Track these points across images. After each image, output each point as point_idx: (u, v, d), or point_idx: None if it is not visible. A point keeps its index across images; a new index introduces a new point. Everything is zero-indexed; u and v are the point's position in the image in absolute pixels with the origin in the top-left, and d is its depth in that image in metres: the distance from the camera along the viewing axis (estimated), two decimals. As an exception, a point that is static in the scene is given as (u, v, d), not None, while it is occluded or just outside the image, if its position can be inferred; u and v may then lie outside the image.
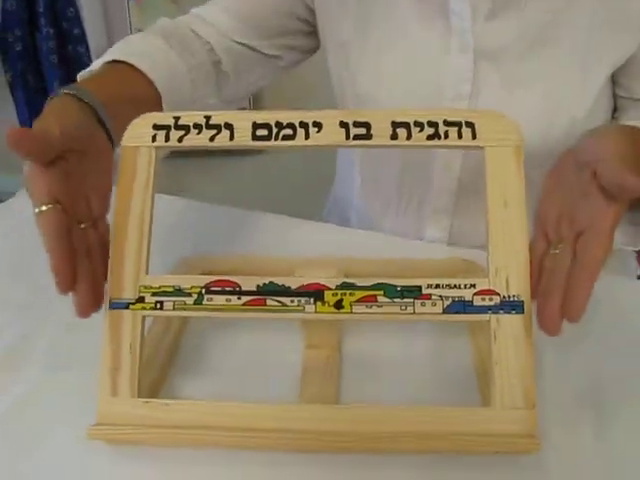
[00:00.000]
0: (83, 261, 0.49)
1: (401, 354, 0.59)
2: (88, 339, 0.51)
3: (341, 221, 0.97)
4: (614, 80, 0.81)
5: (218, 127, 0.54)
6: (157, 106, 0.71)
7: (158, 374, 0.56)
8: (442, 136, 0.54)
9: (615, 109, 0.83)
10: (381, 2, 0.80)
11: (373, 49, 0.80)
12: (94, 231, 0.52)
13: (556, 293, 0.49)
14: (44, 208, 0.47)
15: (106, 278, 0.51)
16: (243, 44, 0.85)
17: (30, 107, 2.05)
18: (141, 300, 0.51)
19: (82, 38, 1.98)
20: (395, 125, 0.54)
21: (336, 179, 1.05)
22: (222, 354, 0.60)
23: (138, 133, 0.54)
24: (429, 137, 0.54)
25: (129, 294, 0.51)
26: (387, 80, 0.80)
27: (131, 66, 0.70)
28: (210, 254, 0.69)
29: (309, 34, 0.88)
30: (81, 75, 0.72)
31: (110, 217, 0.53)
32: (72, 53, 1.99)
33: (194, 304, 0.51)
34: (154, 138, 0.54)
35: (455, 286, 0.51)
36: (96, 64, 0.71)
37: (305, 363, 0.58)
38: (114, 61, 0.70)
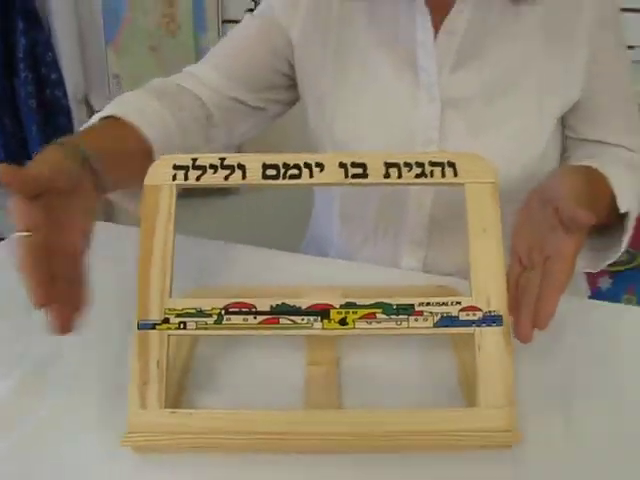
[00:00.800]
0: (58, 285, 0.52)
1: (394, 368, 0.66)
2: (103, 356, 0.57)
3: (320, 254, 1.04)
4: (564, 123, 0.92)
5: (232, 167, 0.61)
6: (148, 159, 0.71)
7: (176, 389, 0.62)
8: (428, 175, 0.62)
9: (564, 149, 0.94)
10: (356, 59, 0.89)
11: (349, 101, 0.89)
12: (73, 263, 0.55)
13: (528, 308, 0.58)
14: (24, 234, 0.52)
15: (79, 307, 0.53)
16: (232, 98, 0.92)
17: (7, 151, 2.09)
18: (166, 321, 0.57)
19: (60, 82, 2.03)
20: (388, 165, 0.62)
21: (314, 217, 1.12)
22: (231, 371, 0.66)
23: (159, 173, 0.61)
24: (417, 176, 0.62)
25: (155, 315, 0.57)
26: (362, 129, 0.88)
27: (125, 122, 0.74)
28: (214, 285, 0.75)
29: (290, 87, 0.96)
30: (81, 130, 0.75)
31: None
32: (50, 97, 2.04)
33: (214, 324, 0.57)
34: (174, 177, 0.61)
35: (443, 304, 0.58)
36: (94, 119, 0.76)
37: (307, 377, 0.64)
38: (111, 116, 0.75)
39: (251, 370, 0.66)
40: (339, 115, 0.90)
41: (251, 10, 1.84)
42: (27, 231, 0.52)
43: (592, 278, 1.79)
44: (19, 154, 2.08)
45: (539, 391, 0.64)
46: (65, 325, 0.52)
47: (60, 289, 0.52)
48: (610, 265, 1.79)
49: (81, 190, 0.59)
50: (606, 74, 0.89)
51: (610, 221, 0.77)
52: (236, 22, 1.91)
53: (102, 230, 0.60)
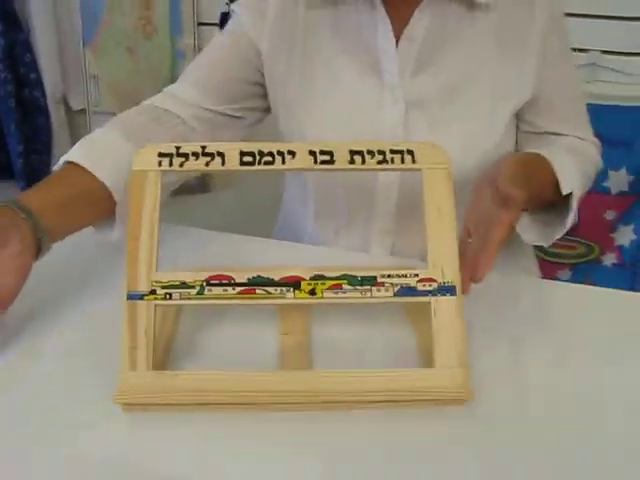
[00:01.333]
0: None
1: (360, 336, 0.73)
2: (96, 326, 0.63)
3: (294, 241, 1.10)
4: (520, 117, 0.99)
5: (212, 155, 0.68)
6: (110, 201, 0.79)
7: (162, 356, 0.68)
8: (389, 161, 0.69)
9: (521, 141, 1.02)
10: (321, 66, 0.96)
11: (317, 107, 0.96)
12: None
13: (466, 266, 0.68)
14: None
15: None
16: (212, 111, 0.97)
17: (-16, 147, 2.13)
18: (153, 292, 0.63)
19: (39, 82, 2.07)
20: (352, 153, 0.69)
21: (284, 204, 1.17)
22: (211, 341, 0.72)
23: (146, 160, 0.67)
24: (379, 162, 0.69)
25: (143, 287, 0.63)
26: (331, 132, 0.94)
27: (85, 168, 0.78)
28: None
29: (265, 95, 1.02)
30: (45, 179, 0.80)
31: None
32: (28, 97, 2.08)
33: (197, 294, 0.64)
34: (160, 164, 0.67)
35: (403, 275, 0.65)
36: (59, 163, 0.81)
37: (281, 345, 0.71)
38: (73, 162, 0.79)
39: (230, 340, 0.72)
40: (308, 121, 0.97)
41: (225, 14, 1.91)
42: None
43: (552, 270, 1.90)
44: (-2, 153, 2.11)
45: (492, 356, 0.71)
46: None
47: None
48: (569, 257, 1.89)
49: (11, 240, 0.67)
50: (556, 75, 0.97)
51: (557, 200, 0.86)
52: (211, 25, 1.99)
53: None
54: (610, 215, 1.85)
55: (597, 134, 1.74)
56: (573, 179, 0.86)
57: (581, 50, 1.77)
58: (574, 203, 0.86)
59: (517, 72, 0.95)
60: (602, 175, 1.81)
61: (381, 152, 0.69)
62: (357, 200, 0.99)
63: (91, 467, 0.56)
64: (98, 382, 0.63)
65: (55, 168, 0.81)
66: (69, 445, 0.58)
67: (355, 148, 0.69)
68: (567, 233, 1.90)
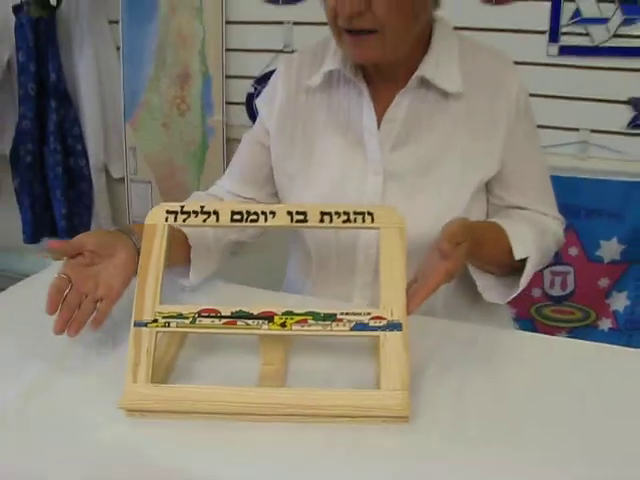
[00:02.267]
0: (70, 309, 0.84)
1: (328, 365, 0.86)
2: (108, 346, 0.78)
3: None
4: (489, 191, 1.13)
5: (209, 213, 0.84)
6: (186, 244, 1.05)
7: (163, 375, 0.83)
8: (352, 221, 0.84)
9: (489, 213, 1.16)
10: (318, 144, 1.13)
11: (314, 175, 1.12)
12: (92, 302, 0.86)
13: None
14: (56, 275, 0.85)
15: (79, 329, 0.84)
16: (244, 197, 1.19)
17: (33, 211, 2.35)
18: (155, 321, 0.79)
19: (84, 153, 2.31)
20: (322, 213, 0.84)
21: (289, 270, 1.32)
22: (204, 368, 0.87)
23: (156, 216, 0.84)
24: (344, 221, 0.84)
25: (147, 317, 0.79)
26: (324, 197, 1.10)
27: None
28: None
29: None
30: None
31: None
32: (74, 165, 2.32)
33: (190, 324, 0.79)
34: (167, 219, 0.84)
35: (358, 314, 0.80)
36: None
37: (261, 372, 0.85)
38: None
39: (220, 367, 0.87)
40: (307, 191, 1.13)
41: (251, 94, 2.14)
42: (60, 274, 0.86)
43: (549, 333, 1.99)
44: (44, 214, 2.34)
45: (438, 386, 0.84)
46: (63, 330, 0.84)
47: (69, 311, 0.84)
48: (566, 322, 2.01)
49: (119, 255, 0.90)
50: (521, 155, 1.10)
51: (518, 266, 1.00)
52: (238, 104, 2.21)
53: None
54: (604, 282, 1.97)
55: (588, 207, 1.90)
56: (528, 246, 1.00)
57: (572, 129, 1.93)
58: (529, 267, 0.99)
59: (484, 151, 1.08)
60: (595, 245, 1.95)
61: (346, 213, 0.85)
62: (344, 257, 1.14)
63: (99, 457, 0.71)
64: (108, 391, 0.78)
65: None
66: (82, 439, 0.73)
67: (325, 210, 0.85)
68: (565, 299, 2.05)
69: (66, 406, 0.79)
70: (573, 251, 1.97)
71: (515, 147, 1.09)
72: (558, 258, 1.97)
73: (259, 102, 1.22)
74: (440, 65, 1.07)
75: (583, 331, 2.00)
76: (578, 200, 1.93)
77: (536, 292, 2.03)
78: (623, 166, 1.90)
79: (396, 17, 0.96)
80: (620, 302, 1.98)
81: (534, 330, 1.84)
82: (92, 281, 0.87)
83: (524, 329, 1.09)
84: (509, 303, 1.08)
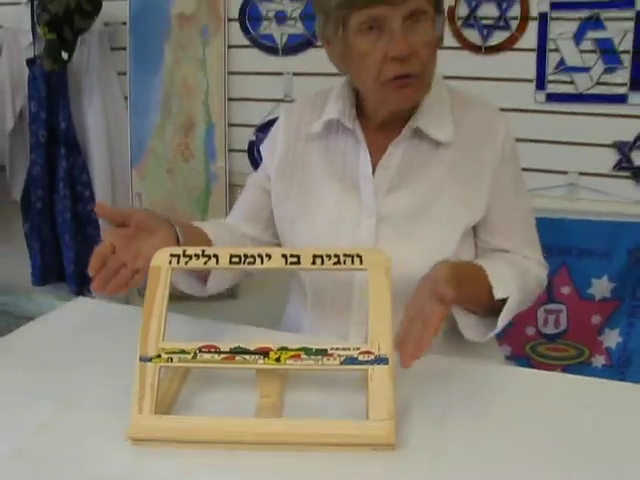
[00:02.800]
0: (109, 272, 0.94)
1: (319, 398, 0.92)
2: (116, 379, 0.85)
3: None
4: (476, 234, 1.20)
5: (209, 256, 0.91)
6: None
7: (167, 407, 0.89)
8: (342, 263, 0.91)
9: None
10: (316, 188, 1.20)
11: (311, 220, 1.19)
12: (130, 271, 0.95)
13: (409, 346, 0.87)
14: (103, 242, 0.96)
15: (114, 291, 0.94)
16: (249, 236, 1.27)
17: (42, 255, 2.43)
18: (159, 356, 0.85)
19: (92, 199, 2.40)
20: (315, 256, 0.91)
21: (287, 310, 1.38)
22: (205, 401, 0.93)
23: (161, 258, 0.91)
24: (334, 263, 0.91)
25: (152, 353, 0.85)
26: (321, 240, 1.17)
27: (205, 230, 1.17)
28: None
29: None
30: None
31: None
32: (82, 211, 2.40)
33: (191, 359, 0.85)
34: (170, 262, 0.91)
35: (348, 349, 0.86)
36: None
37: (259, 404, 0.91)
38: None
39: (219, 401, 0.92)
40: (305, 233, 1.20)
41: (252, 142, 2.23)
42: (106, 241, 0.96)
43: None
44: (53, 258, 2.41)
45: (420, 411, 0.90)
46: (101, 290, 0.95)
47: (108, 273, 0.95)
48: (560, 359, 2.06)
49: (160, 234, 1.00)
50: (506, 202, 1.17)
51: (499, 305, 1.06)
52: (240, 151, 2.30)
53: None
54: (596, 320, 2.02)
55: (579, 246, 1.96)
56: (508, 286, 1.06)
57: (561, 172, 2.01)
58: (508, 307, 1.04)
59: (471, 196, 1.14)
60: (586, 283, 2.01)
61: (336, 255, 0.91)
62: (340, 295, 1.19)
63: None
64: (115, 423, 0.84)
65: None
66: (93, 468, 0.79)
67: (317, 253, 0.91)
68: (558, 336, 2.10)
69: (76, 438, 0.84)
70: (565, 289, 2.03)
71: (500, 193, 1.15)
72: (551, 296, 2.03)
73: (262, 148, 1.31)
74: (432, 116, 1.14)
75: (577, 368, 2.04)
76: (569, 240, 1.99)
77: (530, 330, 2.09)
78: (610, 207, 1.97)
79: (433, 55, 1.07)
80: (612, 339, 2.03)
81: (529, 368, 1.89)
82: (133, 252, 0.96)
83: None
84: (505, 342, 1.14)
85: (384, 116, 1.15)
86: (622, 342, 2.01)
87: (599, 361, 2.05)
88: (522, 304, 1.11)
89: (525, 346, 2.10)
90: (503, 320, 1.05)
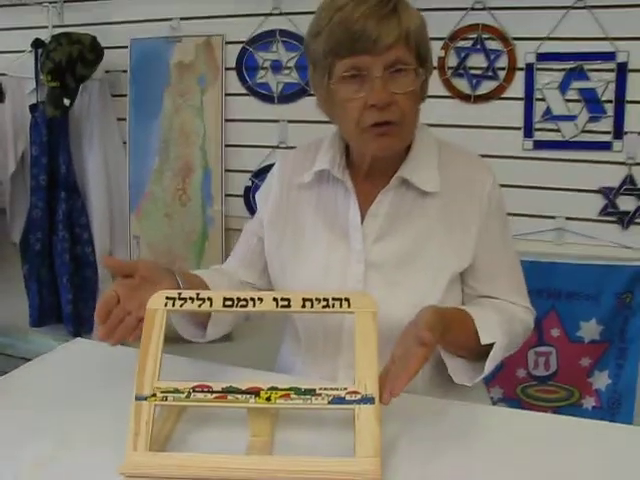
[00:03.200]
0: (115, 321, 0.99)
1: (309, 437, 0.95)
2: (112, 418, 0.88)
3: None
4: (463, 281, 1.23)
5: (203, 299, 0.95)
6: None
7: (161, 445, 0.92)
8: (331, 306, 0.95)
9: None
10: (307, 235, 1.24)
11: (302, 266, 1.23)
12: (135, 320, 0.99)
13: (387, 385, 0.90)
14: (108, 290, 1.00)
15: (119, 340, 0.99)
16: (244, 282, 1.32)
17: (40, 297, 2.46)
18: (154, 395, 0.89)
19: (90, 241, 2.45)
20: (304, 300, 0.95)
21: (281, 353, 1.41)
22: (198, 440, 0.95)
23: (156, 301, 0.95)
24: (323, 307, 0.95)
25: (147, 392, 0.89)
26: (310, 283, 1.20)
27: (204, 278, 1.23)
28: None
29: None
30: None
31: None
32: (80, 253, 2.45)
33: (185, 397, 0.89)
34: (166, 304, 0.95)
35: (335, 389, 0.89)
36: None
37: (250, 443, 0.94)
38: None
39: (212, 439, 0.95)
40: (295, 278, 1.23)
41: (248, 187, 2.28)
42: (111, 290, 1.01)
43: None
44: (51, 300, 2.44)
45: (405, 449, 0.93)
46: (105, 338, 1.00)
47: (115, 320, 0.99)
48: (551, 401, 2.08)
49: (163, 284, 1.04)
50: (493, 251, 1.20)
51: (482, 349, 1.09)
52: (236, 196, 2.36)
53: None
54: (585, 362, 2.05)
55: (567, 290, 2.00)
56: (494, 331, 1.09)
57: (549, 217, 2.06)
58: (495, 351, 1.07)
59: (458, 245, 1.18)
60: (575, 326, 2.04)
61: (325, 299, 0.95)
62: (330, 339, 1.22)
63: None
64: (110, 460, 0.87)
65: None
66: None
67: (306, 296, 0.95)
68: (549, 379, 2.13)
69: (72, 474, 0.87)
70: (555, 332, 2.07)
71: (487, 243, 1.19)
72: (540, 339, 2.07)
73: (257, 195, 1.36)
74: (420, 167, 1.18)
75: (568, 410, 2.06)
76: (557, 284, 2.03)
77: (521, 372, 2.11)
78: (597, 251, 2.02)
79: (414, 106, 1.12)
80: (602, 381, 2.05)
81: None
82: (137, 301, 1.00)
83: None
84: (496, 384, 1.17)
85: (369, 164, 1.19)
86: (611, 384, 2.04)
87: (589, 403, 2.08)
88: (509, 348, 1.14)
89: (516, 388, 2.12)
90: (490, 365, 1.08)
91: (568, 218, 2.05)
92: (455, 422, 1.02)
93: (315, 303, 0.95)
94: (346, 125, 1.14)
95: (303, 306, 0.95)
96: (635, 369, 2.02)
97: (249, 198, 2.38)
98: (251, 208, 2.38)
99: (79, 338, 1.44)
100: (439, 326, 0.98)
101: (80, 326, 2.47)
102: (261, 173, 2.32)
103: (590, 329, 2.03)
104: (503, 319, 1.14)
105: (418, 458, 0.92)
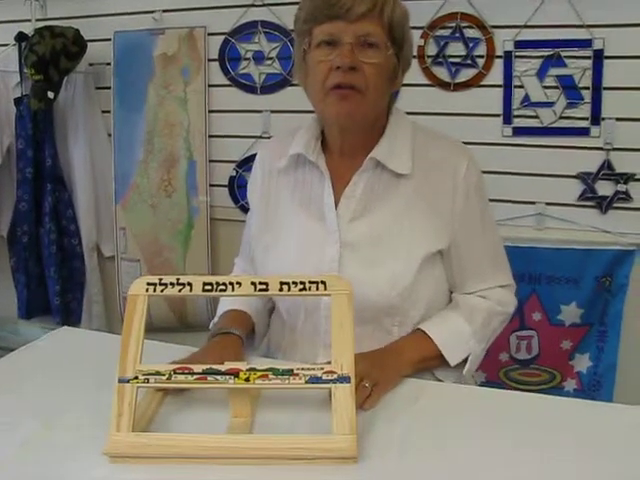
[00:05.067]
0: None
1: (288, 417, 0.98)
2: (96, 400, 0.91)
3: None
4: (449, 265, 1.25)
5: (183, 284, 0.98)
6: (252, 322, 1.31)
7: (145, 425, 0.94)
8: (307, 289, 0.97)
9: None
10: (286, 218, 1.28)
11: (281, 248, 1.26)
12: None
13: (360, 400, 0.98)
14: None
15: None
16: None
17: (28, 289, 2.48)
18: (136, 378, 0.91)
19: (77, 233, 2.46)
20: (282, 283, 0.98)
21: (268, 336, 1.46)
22: (180, 421, 0.98)
23: (138, 287, 0.98)
24: (300, 290, 0.97)
25: (130, 374, 0.91)
26: (289, 265, 1.23)
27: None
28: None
29: None
30: (215, 322, 1.32)
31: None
32: (67, 245, 2.46)
33: (166, 379, 0.91)
34: (147, 290, 0.97)
35: (312, 369, 0.92)
36: (219, 311, 1.33)
37: (230, 423, 0.96)
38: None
39: (194, 421, 0.98)
40: (276, 261, 1.27)
41: (233, 177, 2.30)
42: None
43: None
44: (38, 292, 2.46)
45: (381, 427, 0.96)
46: None
47: None
48: (533, 384, 2.12)
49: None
50: (472, 233, 1.23)
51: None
52: (221, 186, 2.38)
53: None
54: (567, 345, 2.09)
55: (547, 274, 2.03)
56: (464, 346, 1.21)
57: (529, 203, 2.10)
58: (474, 360, 1.21)
59: (431, 226, 1.21)
60: (556, 309, 2.08)
61: (302, 282, 0.98)
62: (309, 321, 1.26)
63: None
64: (94, 441, 0.89)
65: (220, 311, 1.33)
66: (71, 482, 0.85)
67: (283, 280, 0.98)
68: (531, 362, 2.17)
69: (57, 455, 0.90)
70: (536, 316, 2.10)
71: (465, 226, 1.22)
72: (522, 323, 2.10)
73: (248, 185, 1.40)
74: (393, 149, 1.21)
75: (550, 392, 2.03)
76: (538, 268, 2.07)
77: (503, 356, 2.15)
78: (577, 235, 2.06)
79: (379, 79, 1.15)
80: (583, 363, 2.10)
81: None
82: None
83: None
84: (479, 368, 1.25)
85: (340, 141, 1.24)
86: (592, 366, 2.08)
87: (571, 385, 2.11)
88: (487, 347, 1.26)
89: (499, 372, 2.16)
90: (470, 370, 1.19)
91: (548, 203, 2.09)
92: (431, 401, 1.06)
93: (292, 286, 0.98)
94: (313, 88, 1.19)
95: (280, 289, 0.97)
96: (615, 351, 2.06)
97: (234, 188, 2.40)
98: (235, 198, 2.41)
99: (66, 326, 1.46)
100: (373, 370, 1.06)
101: (68, 317, 2.49)
102: (245, 163, 2.34)
103: (571, 312, 2.07)
104: (477, 326, 1.23)
105: (394, 435, 0.95)
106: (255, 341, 1.33)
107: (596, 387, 2.08)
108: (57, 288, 2.44)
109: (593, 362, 2.08)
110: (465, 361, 1.21)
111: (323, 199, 1.24)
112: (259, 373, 0.92)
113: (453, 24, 2.09)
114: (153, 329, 0.97)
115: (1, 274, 2.62)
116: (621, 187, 2.01)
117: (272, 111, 2.32)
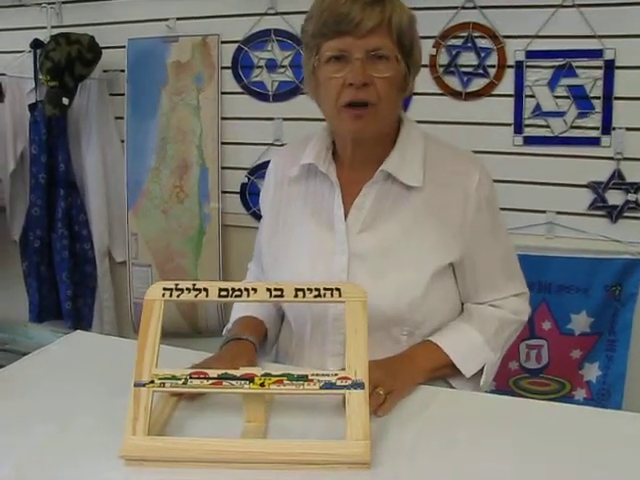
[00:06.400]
0: None
1: (302, 422, 0.99)
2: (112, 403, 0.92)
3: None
4: (462, 276, 1.25)
5: (199, 290, 0.99)
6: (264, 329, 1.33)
7: (160, 429, 0.95)
8: (322, 296, 0.98)
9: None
10: (296, 227, 1.28)
11: (292, 257, 1.27)
12: None
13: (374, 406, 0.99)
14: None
15: None
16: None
17: (40, 293, 2.50)
18: (152, 382, 0.92)
19: (89, 238, 2.48)
20: (297, 290, 0.99)
21: (278, 344, 1.46)
22: (195, 425, 0.99)
23: (154, 292, 0.99)
24: (315, 296, 0.98)
25: (146, 378, 0.92)
26: (298, 273, 1.24)
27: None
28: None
29: None
30: (228, 328, 1.34)
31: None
32: (79, 250, 2.48)
33: (182, 384, 0.93)
34: (163, 295, 0.98)
35: (327, 375, 0.93)
36: (233, 318, 1.35)
37: (244, 428, 0.97)
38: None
39: (209, 425, 0.99)
40: (285, 269, 1.27)
41: (244, 184, 2.32)
42: None
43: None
44: (50, 296, 2.48)
45: (394, 433, 0.97)
46: None
47: None
48: (543, 394, 2.12)
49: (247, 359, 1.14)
50: (485, 245, 1.23)
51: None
52: (233, 193, 2.40)
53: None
54: (576, 354, 2.09)
55: (558, 283, 2.03)
56: (479, 356, 1.21)
57: (540, 211, 2.10)
58: (490, 368, 1.21)
59: (442, 238, 1.21)
60: (566, 319, 2.08)
61: (317, 289, 0.99)
62: (317, 327, 1.26)
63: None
64: (110, 444, 0.90)
65: (234, 318, 1.36)
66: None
67: (298, 286, 0.99)
68: (540, 371, 2.17)
69: (73, 458, 0.91)
70: (546, 325, 2.11)
71: (477, 238, 1.22)
72: (532, 332, 2.10)
73: (261, 192, 1.42)
74: (404, 161, 1.21)
75: (559, 402, 2.08)
76: (548, 277, 2.07)
77: (513, 365, 2.15)
78: (587, 244, 2.06)
79: (391, 92, 1.15)
80: (592, 372, 2.09)
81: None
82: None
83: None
84: None
85: (351, 152, 1.23)
86: (602, 375, 2.08)
87: (580, 394, 2.11)
88: (502, 354, 1.25)
89: (508, 381, 2.16)
90: (486, 381, 1.20)
91: (558, 212, 2.09)
92: (442, 408, 1.06)
93: (307, 293, 0.99)
94: (326, 104, 1.19)
95: (295, 296, 0.99)
96: (624, 360, 2.05)
97: (245, 195, 2.42)
98: (247, 205, 2.42)
99: (79, 330, 1.47)
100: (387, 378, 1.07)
101: (79, 321, 2.50)
102: (257, 170, 2.36)
103: (580, 321, 2.07)
104: (490, 335, 1.23)
105: (405, 441, 0.96)
106: (267, 347, 1.34)
107: (605, 396, 2.07)
108: (69, 293, 2.46)
109: (602, 371, 2.08)
110: (481, 371, 1.22)
111: (333, 210, 1.24)
112: (274, 378, 0.93)
113: (465, 34, 2.10)
114: (164, 334, 0.97)
115: (13, 278, 2.64)
116: (631, 196, 2.01)
117: (284, 119, 2.34)
